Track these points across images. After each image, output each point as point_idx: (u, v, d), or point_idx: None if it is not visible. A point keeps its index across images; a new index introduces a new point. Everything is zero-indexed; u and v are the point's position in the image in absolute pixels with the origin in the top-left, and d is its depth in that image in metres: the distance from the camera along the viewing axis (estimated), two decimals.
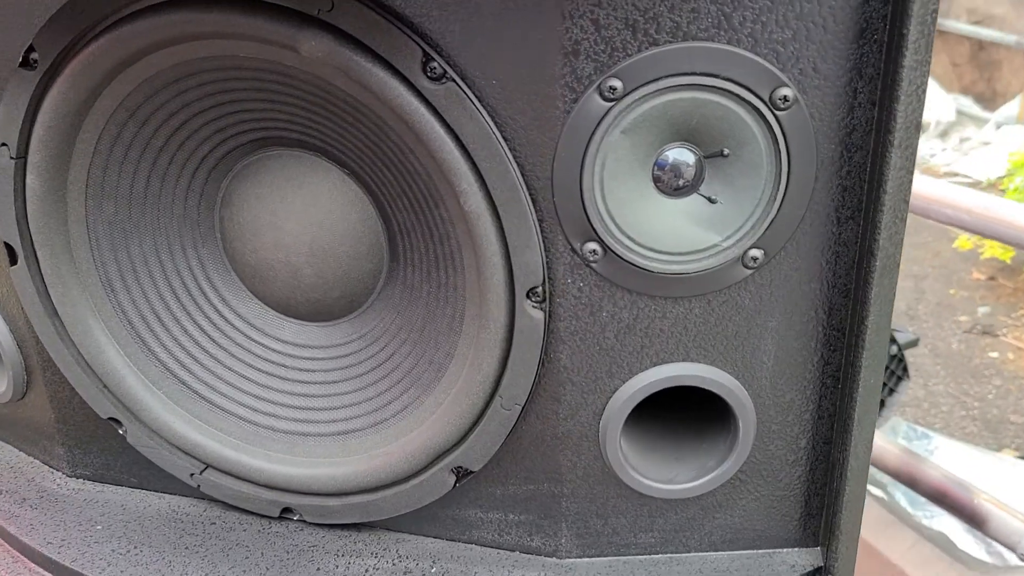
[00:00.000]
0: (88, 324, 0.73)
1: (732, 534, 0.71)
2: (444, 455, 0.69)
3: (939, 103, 4.82)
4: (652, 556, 0.72)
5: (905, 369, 2.58)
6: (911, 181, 0.56)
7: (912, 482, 1.34)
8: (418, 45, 0.56)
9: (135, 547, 0.75)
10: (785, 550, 0.72)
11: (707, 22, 0.54)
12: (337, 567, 0.73)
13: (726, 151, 0.58)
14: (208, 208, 0.74)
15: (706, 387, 0.65)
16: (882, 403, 2.56)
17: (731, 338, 0.64)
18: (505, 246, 0.60)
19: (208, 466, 0.76)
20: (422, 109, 0.57)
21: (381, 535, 0.76)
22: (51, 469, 0.85)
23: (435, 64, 0.56)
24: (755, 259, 0.60)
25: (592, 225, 0.59)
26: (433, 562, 0.73)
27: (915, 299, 3.45)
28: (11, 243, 0.71)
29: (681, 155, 0.59)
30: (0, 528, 0.79)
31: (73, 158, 0.68)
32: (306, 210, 0.70)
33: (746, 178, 0.58)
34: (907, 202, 0.56)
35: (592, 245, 0.60)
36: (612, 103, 0.56)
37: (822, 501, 0.70)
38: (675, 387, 0.66)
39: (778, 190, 0.58)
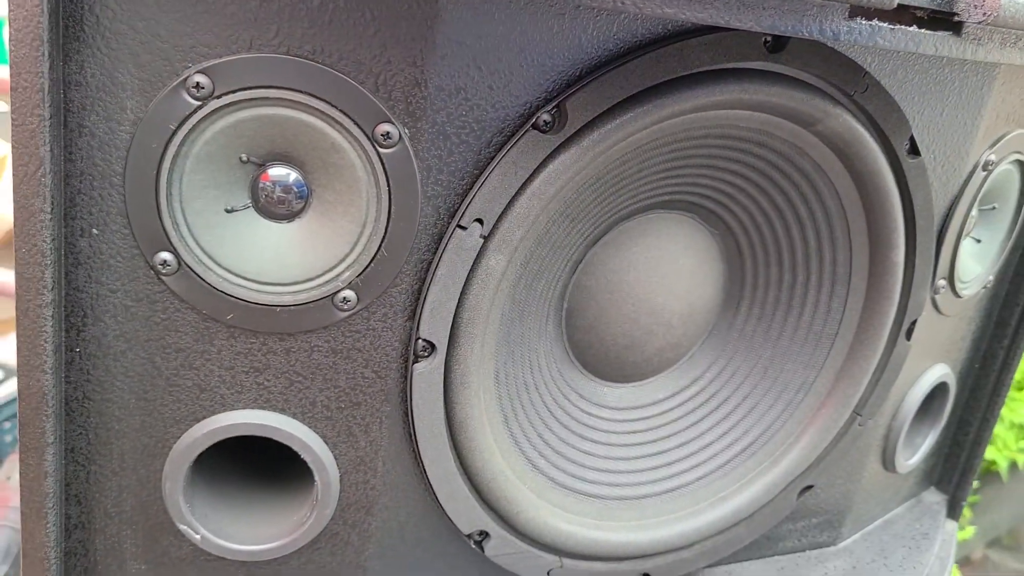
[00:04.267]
0: (477, 427, 0.62)
1: None
2: (797, 479, 0.77)
3: None
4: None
5: None
6: None
7: None
8: (909, 128, 0.67)
9: None
10: None
11: None
12: None
13: None
14: (569, 272, 0.68)
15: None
16: None
17: None
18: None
19: (565, 556, 0.70)
20: (891, 179, 0.68)
21: None
22: None
23: (906, 143, 0.68)
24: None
25: None
26: None
27: None
28: (433, 339, 0.57)
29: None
30: None
31: (529, 233, 0.59)
32: (665, 269, 0.71)
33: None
34: None
35: None
36: None
37: None
38: None
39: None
